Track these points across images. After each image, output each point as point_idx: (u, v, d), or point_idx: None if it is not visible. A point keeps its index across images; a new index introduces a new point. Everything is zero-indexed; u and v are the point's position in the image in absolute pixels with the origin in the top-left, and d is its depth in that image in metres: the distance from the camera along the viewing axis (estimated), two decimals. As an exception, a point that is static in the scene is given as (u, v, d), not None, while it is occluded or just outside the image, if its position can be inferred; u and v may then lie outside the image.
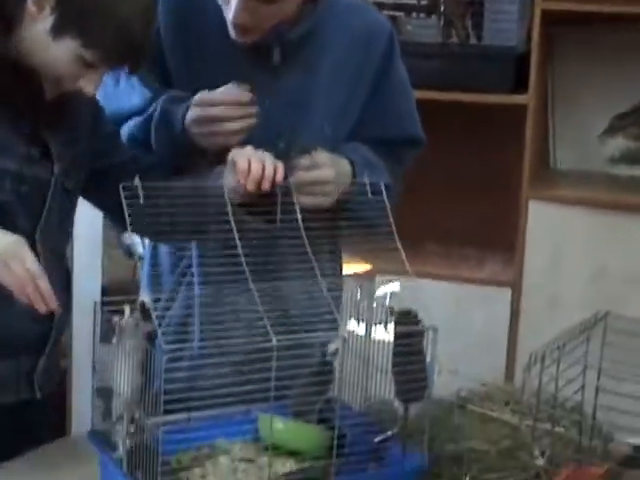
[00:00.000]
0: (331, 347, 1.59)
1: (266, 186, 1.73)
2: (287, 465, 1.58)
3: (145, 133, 1.87)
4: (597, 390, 1.65)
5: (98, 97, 1.93)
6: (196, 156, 1.87)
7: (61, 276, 1.80)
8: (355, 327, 1.64)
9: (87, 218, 1.91)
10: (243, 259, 1.54)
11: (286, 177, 1.75)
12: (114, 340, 1.49)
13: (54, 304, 1.57)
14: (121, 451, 1.49)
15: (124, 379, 1.48)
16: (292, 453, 1.60)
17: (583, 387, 1.62)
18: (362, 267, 2.70)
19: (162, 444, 1.42)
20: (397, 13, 2.94)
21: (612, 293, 2.75)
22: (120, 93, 1.92)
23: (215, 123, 1.81)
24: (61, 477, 1.63)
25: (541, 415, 1.60)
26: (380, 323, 1.59)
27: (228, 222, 1.60)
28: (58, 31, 1.58)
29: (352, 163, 1.90)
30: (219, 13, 1.83)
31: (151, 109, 1.87)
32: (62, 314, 1.75)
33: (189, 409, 1.51)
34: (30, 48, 1.60)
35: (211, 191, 1.70)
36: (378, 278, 1.79)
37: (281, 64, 1.90)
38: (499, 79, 2.93)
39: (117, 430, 1.50)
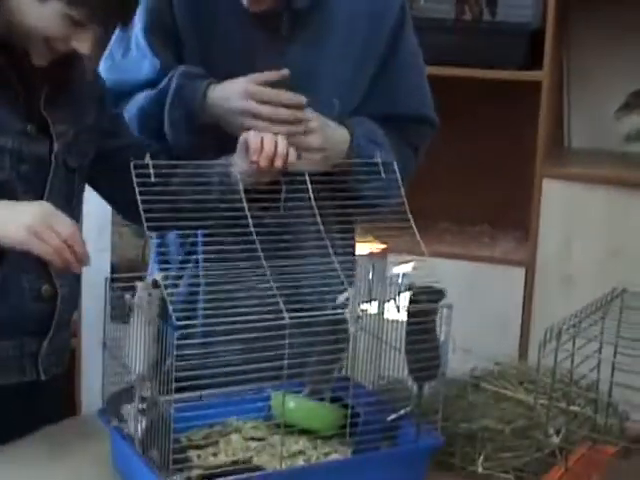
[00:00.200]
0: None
1: (279, 163, 1.72)
2: (300, 443, 1.57)
3: (157, 107, 1.85)
4: (613, 368, 1.63)
5: (104, 68, 1.92)
6: (208, 136, 1.85)
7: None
8: (368, 306, 1.63)
9: (97, 197, 1.89)
10: (255, 237, 1.53)
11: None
12: (130, 319, 1.48)
13: (88, 261, 1.56)
14: (133, 429, 1.48)
15: (138, 356, 1.48)
16: (305, 431, 1.59)
17: (599, 365, 1.60)
18: (375, 246, 2.68)
19: (174, 421, 1.42)
20: (410, -12, 2.91)
21: (626, 272, 2.72)
22: (128, 63, 1.91)
23: (261, 121, 1.78)
24: (72, 455, 1.63)
25: (556, 393, 1.59)
26: (394, 300, 1.58)
27: (238, 201, 1.60)
28: None
29: (352, 134, 1.88)
30: None
31: (163, 83, 1.85)
32: (67, 295, 1.75)
33: (201, 387, 1.50)
34: (18, 15, 1.59)
35: (218, 169, 1.69)
36: (391, 257, 1.77)
37: (289, 34, 1.89)
38: (513, 56, 2.91)
39: (129, 407, 1.49)
